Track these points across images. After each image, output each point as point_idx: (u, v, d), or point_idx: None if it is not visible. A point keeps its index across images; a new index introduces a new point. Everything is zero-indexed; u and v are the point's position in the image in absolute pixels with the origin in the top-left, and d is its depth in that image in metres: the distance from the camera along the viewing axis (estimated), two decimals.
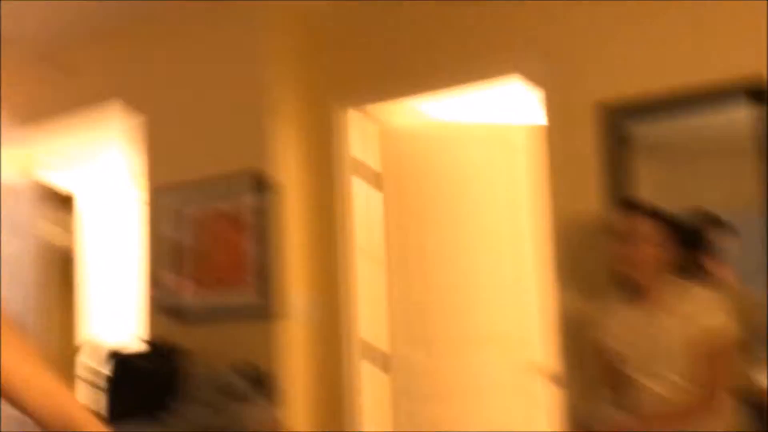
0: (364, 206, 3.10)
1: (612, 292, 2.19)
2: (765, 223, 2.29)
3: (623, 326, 2.08)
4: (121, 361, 2.81)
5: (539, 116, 2.73)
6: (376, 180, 3.15)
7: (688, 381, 1.96)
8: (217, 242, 3.04)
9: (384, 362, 3.07)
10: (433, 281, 3.15)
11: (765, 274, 2.28)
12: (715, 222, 2.31)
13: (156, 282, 3.17)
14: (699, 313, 1.97)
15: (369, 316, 3.05)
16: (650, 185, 2.55)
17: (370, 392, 3.03)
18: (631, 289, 2.09)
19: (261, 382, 2.78)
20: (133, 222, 3.51)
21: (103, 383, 2.78)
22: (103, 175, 4.35)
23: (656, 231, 2.02)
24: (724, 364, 1.95)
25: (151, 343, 2.99)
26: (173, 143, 3.23)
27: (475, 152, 3.21)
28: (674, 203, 2.53)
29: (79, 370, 3.09)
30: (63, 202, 4.09)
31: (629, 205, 2.10)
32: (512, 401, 3.17)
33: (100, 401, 2.76)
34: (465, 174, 3.19)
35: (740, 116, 2.35)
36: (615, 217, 2.11)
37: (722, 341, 1.94)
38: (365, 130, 3.13)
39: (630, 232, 2.02)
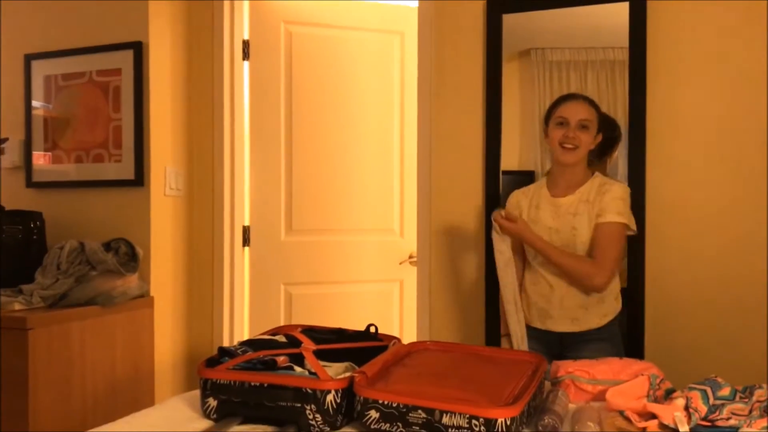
0: (233, 78, 3.07)
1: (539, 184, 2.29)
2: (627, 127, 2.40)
3: (547, 213, 2.19)
4: None
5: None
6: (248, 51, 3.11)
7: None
8: (90, 112, 2.92)
9: (247, 236, 3.12)
10: (303, 161, 3.17)
11: (625, 180, 2.42)
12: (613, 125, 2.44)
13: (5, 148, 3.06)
14: (609, 207, 2.09)
15: (236, 191, 3.07)
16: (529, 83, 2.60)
17: (235, 265, 3.08)
18: (555, 183, 2.22)
19: (128, 254, 2.73)
20: None
21: None
22: None
23: (593, 116, 2.12)
24: (620, 247, 2.10)
25: (10, 210, 2.86)
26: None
27: (353, 32, 3.19)
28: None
29: None
30: None
31: (569, 95, 2.19)
32: (377, 287, 3.28)
33: None
34: (340, 51, 3.18)
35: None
36: (558, 105, 2.17)
37: (622, 231, 2.10)
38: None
39: (571, 116, 2.11)
